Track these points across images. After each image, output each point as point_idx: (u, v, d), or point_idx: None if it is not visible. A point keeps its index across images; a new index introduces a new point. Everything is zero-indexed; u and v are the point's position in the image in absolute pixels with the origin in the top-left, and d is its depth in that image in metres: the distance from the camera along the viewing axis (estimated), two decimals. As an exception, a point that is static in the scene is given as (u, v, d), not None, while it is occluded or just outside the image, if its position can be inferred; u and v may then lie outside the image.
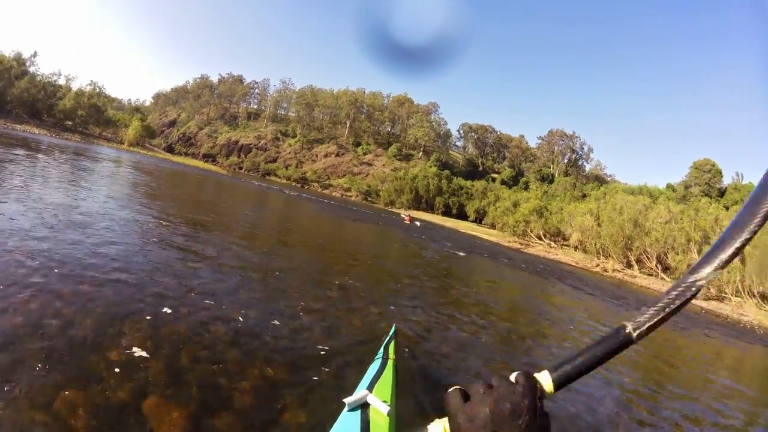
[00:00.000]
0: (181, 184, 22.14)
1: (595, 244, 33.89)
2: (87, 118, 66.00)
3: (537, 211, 42.89)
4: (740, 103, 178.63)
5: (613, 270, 30.17)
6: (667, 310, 0.50)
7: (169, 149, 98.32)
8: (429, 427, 0.53)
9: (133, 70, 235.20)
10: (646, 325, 0.51)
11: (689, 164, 58.81)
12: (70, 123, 63.10)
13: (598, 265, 31.41)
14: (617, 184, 60.49)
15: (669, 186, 58.10)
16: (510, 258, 22.75)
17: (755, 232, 0.46)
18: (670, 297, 0.51)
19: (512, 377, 0.51)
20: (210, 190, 22.94)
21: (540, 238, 41.75)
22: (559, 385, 0.52)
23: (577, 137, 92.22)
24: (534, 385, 0.50)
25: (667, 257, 29.78)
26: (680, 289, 0.50)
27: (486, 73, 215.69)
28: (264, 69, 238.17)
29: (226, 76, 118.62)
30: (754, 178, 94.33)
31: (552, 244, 40.57)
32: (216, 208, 14.26)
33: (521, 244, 39.88)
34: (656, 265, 30.02)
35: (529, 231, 42.34)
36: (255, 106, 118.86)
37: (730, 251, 0.47)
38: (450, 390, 0.54)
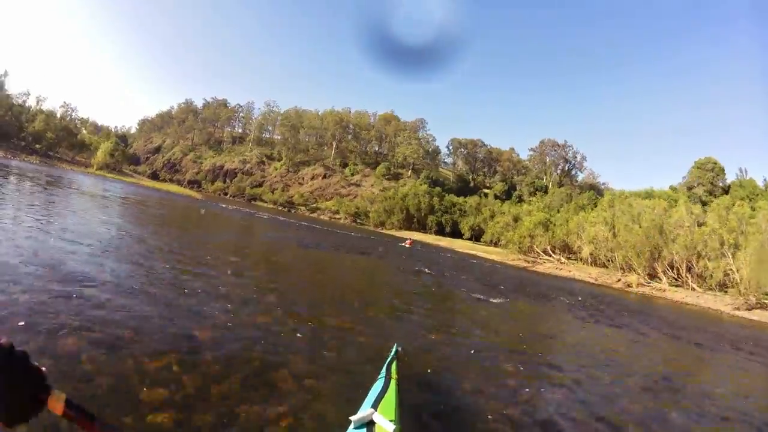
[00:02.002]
0: (141, 217, 18.90)
1: (616, 257, 30.81)
2: (57, 141, 63.35)
3: (542, 224, 39.96)
4: (736, 97, 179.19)
5: (638, 284, 27.17)
6: None
7: (154, 176, 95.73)
8: None
9: (120, 97, 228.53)
10: None
11: (687, 165, 57.24)
12: (39, 146, 60.12)
13: (619, 280, 28.42)
14: (623, 191, 58.08)
15: (672, 188, 55.86)
16: (553, 289, 19.62)
17: None
18: None
19: None
20: (175, 226, 19.74)
21: (547, 254, 38.78)
22: None
23: (569, 146, 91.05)
24: None
25: (693, 265, 26.87)
26: None
27: (474, 84, 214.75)
28: (249, 91, 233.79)
29: (211, 101, 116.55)
30: (757, 174, 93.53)
31: (562, 259, 37.59)
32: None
33: (528, 262, 36.63)
34: (686, 275, 27.05)
35: (534, 246, 39.33)
36: (240, 130, 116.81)
37: None
38: None
